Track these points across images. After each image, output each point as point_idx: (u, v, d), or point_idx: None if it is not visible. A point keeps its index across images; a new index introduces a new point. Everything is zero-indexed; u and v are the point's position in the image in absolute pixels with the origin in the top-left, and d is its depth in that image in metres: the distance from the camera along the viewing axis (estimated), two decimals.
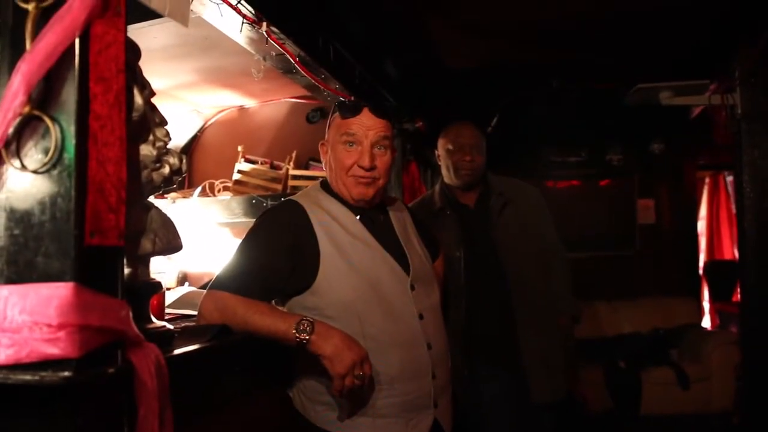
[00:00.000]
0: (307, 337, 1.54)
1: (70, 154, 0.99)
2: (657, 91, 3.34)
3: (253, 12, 1.83)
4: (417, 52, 3.44)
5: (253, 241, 1.75)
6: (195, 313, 2.00)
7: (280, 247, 1.70)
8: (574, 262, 3.02)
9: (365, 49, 2.97)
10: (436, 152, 2.83)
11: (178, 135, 3.70)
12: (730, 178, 6.78)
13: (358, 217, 1.80)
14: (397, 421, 1.65)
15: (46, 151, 0.98)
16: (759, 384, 3.22)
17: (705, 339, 5.05)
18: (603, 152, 5.70)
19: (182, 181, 3.70)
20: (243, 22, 1.80)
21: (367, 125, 1.76)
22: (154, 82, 3.05)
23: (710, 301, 6.61)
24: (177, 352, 1.31)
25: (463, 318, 2.47)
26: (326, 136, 1.88)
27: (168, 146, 1.38)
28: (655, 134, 5.48)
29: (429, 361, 1.71)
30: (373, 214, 1.85)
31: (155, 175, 1.31)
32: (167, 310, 2.05)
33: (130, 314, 1.06)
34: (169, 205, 3.42)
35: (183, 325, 1.69)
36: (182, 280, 3.60)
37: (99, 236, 1.03)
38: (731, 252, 6.86)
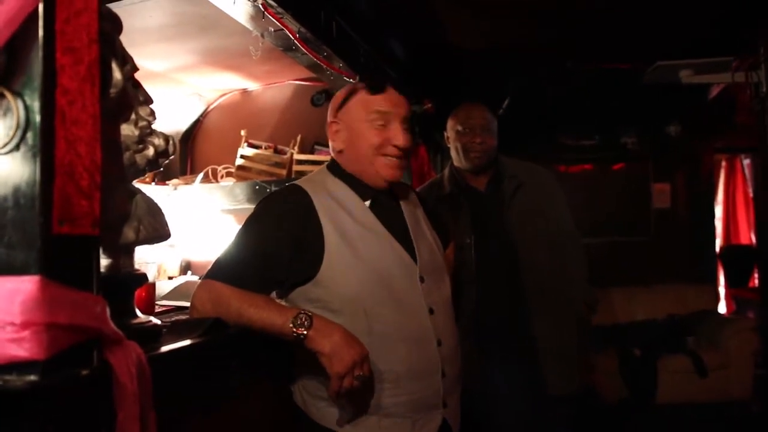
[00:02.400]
0: (305, 332, 1.43)
1: (34, 132, 0.88)
2: (677, 69, 3.21)
3: None
4: (425, 31, 3.31)
5: (251, 228, 1.63)
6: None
7: (279, 235, 1.59)
8: (587, 248, 2.90)
9: (371, 27, 2.85)
10: (445, 134, 2.71)
11: (180, 120, 3.61)
12: (747, 161, 6.61)
13: (368, 203, 1.68)
14: (403, 422, 1.55)
15: (8, 130, 0.88)
16: None
17: (722, 326, 4.93)
18: (617, 135, 5.55)
19: (184, 167, 3.62)
20: None
21: (397, 102, 1.66)
22: (152, 64, 3.00)
23: (726, 287, 6.47)
24: (163, 349, 1.21)
25: (474, 308, 2.36)
26: (336, 115, 1.71)
27: (153, 126, 1.28)
28: (671, 116, 5.32)
29: (438, 358, 1.60)
30: (385, 199, 1.72)
31: (138, 157, 1.21)
32: (163, 302, 1.95)
33: (107, 310, 0.96)
34: (171, 191, 3.34)
35: (174, 318, 1.59)
36: (185, 268, 3.53)
37: (69, 224, 0.93)
38: (748, 237, 6.71)
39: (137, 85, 1.32)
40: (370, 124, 1.63)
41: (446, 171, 2.72)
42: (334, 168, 1.74)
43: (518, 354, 2.44)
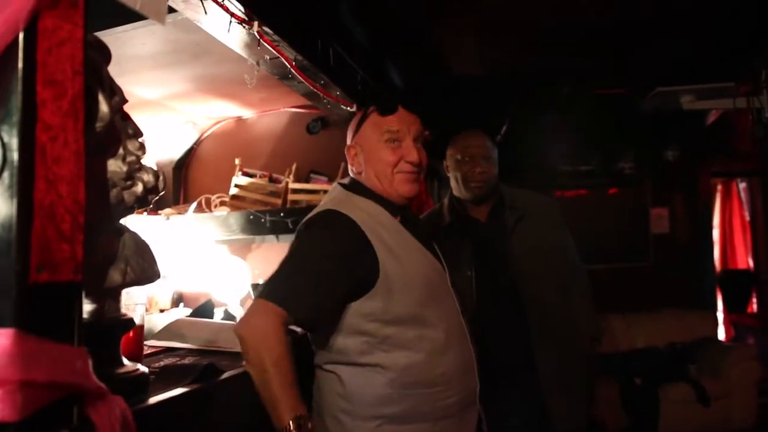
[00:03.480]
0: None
1: (11, 172, 0.81)
2: (677, 95, 3.17)
3: (242, 10, 1.66)
4: (422, 58, 3.27)
5: (305, 251, 1.62)
6: (183, 345, 1.84)
7: (335, 256, 1.60)
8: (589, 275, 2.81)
9: (368, 54, 2.80)
10: (444, 163, 2.62)
11: (173, 148, 3.54)
12: (743, 185, 6.59)
13: (398, 219, 1.75)
14: (453, 421, 1.63)
15: None
16: None
17: (724, 354, 4.85)
18: (614, 160, 5.51)
19: (177, 196, 3.54)
20: (231, 21, 1.63)
21: (407, 120, 1.75)
22: (146, 92, 2.94)
23: (725, 312, 6.40)
24: (151, 401, 1.13)
25: (478, 345, 2.26)
26: (353, 139, 1.79)
27: (142, 161, 1.21)
28: (669, 141, 5.29)
29: (473, 356, 1.72)
30: (409, 213, 1.83)
31: (126, 195, 1.13)
32: (152, 342, 1.86)
33: (90, 363, 0.88)
34: (163, 221, 3.26)
35: (163, 363, 1.50)
36: (177, 300, 3.44)
37: (49, 271, 0.85)
38: (745, 261, 6.66)
39: (126, 118, 1.25)
40: (384, 144, 1.71)
41: (446, 200, 2.63)
42: (358, 188, 1.77)
43: (523, 389, 2.35)
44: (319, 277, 1.55)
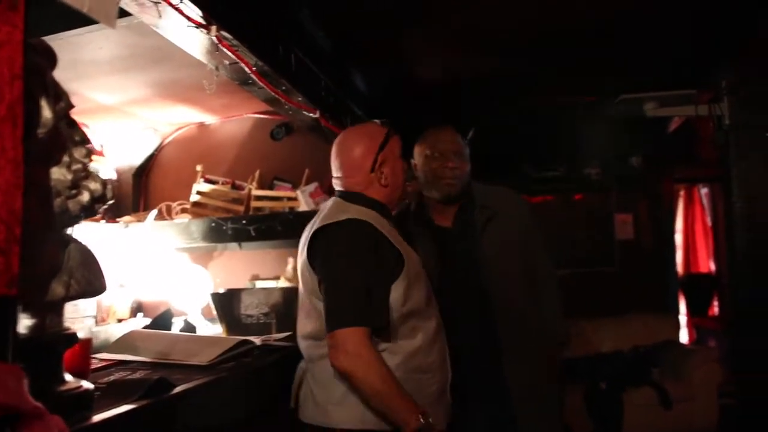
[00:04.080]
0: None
1: None
2: (641, 102, 3.20)
3: (200, 14, 1.62)
4: (388, 65, 3.24)
5: (354, 265, 1.70)
6: (136, 358, 1.78)
7: (375, 256, 1.72)
8: None
9: (332, 61, 2.77)
10: (412, 162, 2.42)
11: (133, 154, 3.46)
12: (704, 191, 6.71)
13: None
14: (433, 407, 1.72)
15: None
16: (749, 398, 3.12)
17: (686, 357, 4.92)
18: (581, 166, 5.56)
19: (137, 203, 3.46)
20: (188, 25, 1.59)
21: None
22: (104, 98, 2.87)
23: (687, 316, 6.50)
24: (95, 419, 1.08)
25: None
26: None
27: (90, 168, 1.16)
28: (632, 148, 5.36)
29: (447, 348, 1.89)
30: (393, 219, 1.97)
31: (71, 204, 1.09)
32: (104, 356, 1.80)
33: (25, 381, 0.83)
34: (122, 229, 3.18)
35: (112, 378, 1.45)
36: (136, 310, 3.36)
37: None
38: (707, 265, 6.78)
39: (73, 124, 1.20)
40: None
41: (412, 205, 2.50)
42: (358, 200, 1.86)
43: (491, 399, 2.29)
44: (374, 280, 1.68)
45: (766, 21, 2.62)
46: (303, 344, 1.82)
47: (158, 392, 1.38)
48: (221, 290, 2.75)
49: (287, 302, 2.39)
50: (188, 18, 1.59)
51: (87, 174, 1.13)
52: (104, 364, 1.74)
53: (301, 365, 1.88)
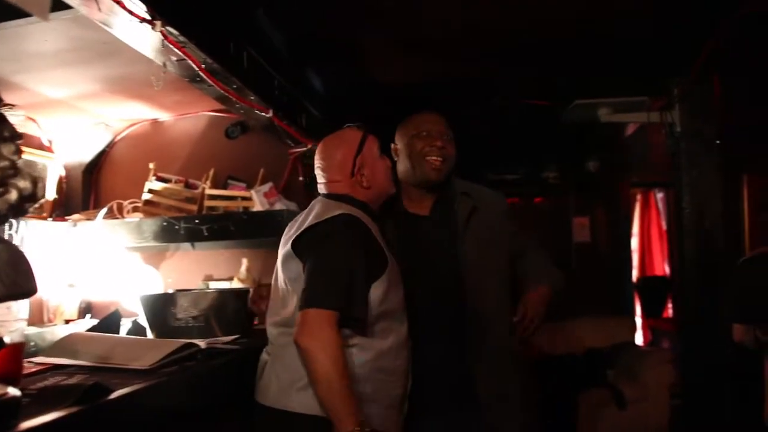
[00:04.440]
0: None
1: None
2: (595, 107, 3.24)
3: (146, 10, 1.57)
4: (345, 65, 3.22)
5: (337, 251, 1.74)
6: (74, 362, 1.73)
7: (362, 250, 1.75)
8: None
9: (287, 60, 2.74)
10: (393, 146, 2.27)
11: (83, 150, 3.37)
12: (660, 195, 6.84)
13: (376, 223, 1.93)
14: (396, 411, 1.82)
15: None
16: (696, 400, 3.19)
17: (640, 358, 5.01)
18: (540, 170, 5.62)
19: (86, 201, 3.37)
20: (131, 20, 1.54)
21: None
22: (52, 91, 2.78)
23: (642, 317, 6.62)
24: (22, 427, 1.04)
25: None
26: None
27: (18, 166, 1.11)
28: (589, 152, 5.44)
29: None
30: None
31: None
32: (40, 360, 1.74)
33: None
34: (70, 227, 3.10)
35: (45, 384, 1.40)
36: (85, 310, 3.27)
37: None
38: (662, 268, 6.92)
39: (2, 119, 1.15)
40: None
41: None
42: (348, 200, 1.92)
43: (459, 399, 2.14)
44: (358, 272, 1.70)
45: (717, 31, 2.67)
46: (274, 332, 1.85)
47: (93, 398, 1.33)
48: (171, 291, 2.69)
49: (221, 306, 2.34)
50: (131, 12, 1.54)
51: (16, 171, 1.09)
52: (40, 368, 1.68)
53: (263, 356, 1.89)
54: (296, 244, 1.78)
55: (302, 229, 1.78)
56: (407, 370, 1.87)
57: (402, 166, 2.23)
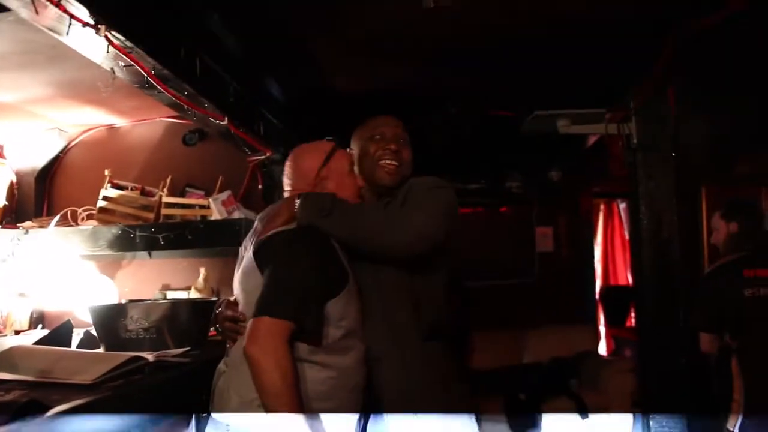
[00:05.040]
0: None
1: None
2: (554, 118, 3.27)
3: (89, 13, 1.53)
4: (303, 73, 3.19)
5: (295, 263, 1.69)
6: (13, 377, 1.66)
7: (320, 263, 1.72)
8: (475, 292, 2.72)
9: (243, 66, 2.70)
10: (348, 151, 2.13)
11: (36, 156, 3.28)
12: (623, 205, 6.92)
13: None
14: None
15: None
16: (656, 409, 3.22)
17: (602, 367, 5.07)
18: (502, 179, 5.65)
19: (39, 208, 3.29)
20: (71, 23, 1.49)
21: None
22: (1, 95, 2.71)
23: (606, 327, 6.68)
24: None
25: None
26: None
27: None
28: (552, 162, 5.49)
29: None
30: None
31: None
32: None
33: None
34: (21, 235, 3.01)
35: None
36: (37, 321, 3.18)
37: None
38: (625, 277, 7.00)
39: None
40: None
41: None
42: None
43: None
44: (315, 286, 1.66)
45: (672, 44, 2.72)
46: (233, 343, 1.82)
47: (27, 415, 1.28)
48: (124, 300, 2.63)
49: (173, 317, 2.28)
50: (73, 16, 1.49)
51: None
52: None
53: (221, 365, 1.83)
54: (257, 255, 1.74)
55: (261, 239, 1.75)
56: (365, 387, 1.82)
57: (357, 171, 2.09)
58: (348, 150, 2.16)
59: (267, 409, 1.57)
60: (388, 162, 2.01)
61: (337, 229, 1.78)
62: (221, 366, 1.84)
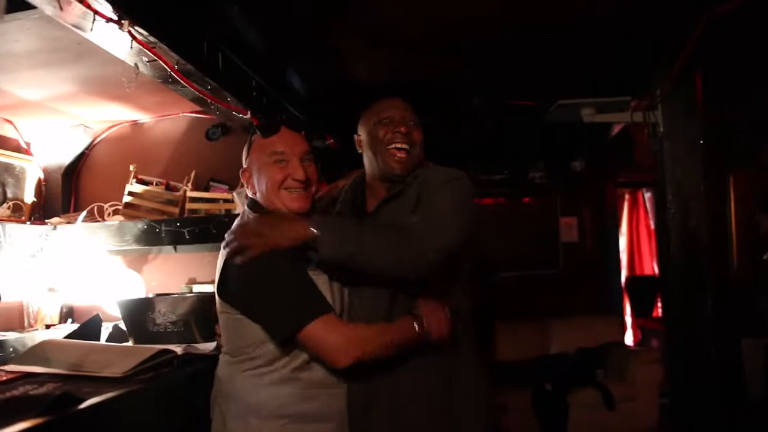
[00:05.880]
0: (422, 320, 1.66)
1: None
2: (578, 107, 3.22)
3: (112, 9, 1.54)
4: (325, 65, 3.19)
5: (284, 264, 1.62)
6: (46, 370, 1.69)
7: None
8: (500, 283, 2.67)
9: (265, 60, 2.70)
10: (356, 137, 2.04)
11: (63, 153, 3.32)
12: (648, 195, 6.86)
13: None
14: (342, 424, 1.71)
15: None
16: (683, 399, 3.17)
17: (629, 358, 5.01)
18: (526, 170, 5.61)
19: (66, 204, 3.33)
20: (95, 19, 1.50)
21: (291, 141, 1.78)
22: (27, 93, 2.74)
23: (632, 317, 6.63)
24: None
25: None
26: (246, 163, 1.84)
27: None
28: (576, 152, 5.43)
29: None
30: None
31: None
32: (11, 368, 1.70)
33: None
34: (49, 231, 3.05)
35: (14, 393, 1.36)
36: (67, 315, 3.22)
37: None
38: (651, 267, 6.93)
39: None
40: (273, 164, 1.75)
41: (345, 186, 2.10)
42: (257, 209, 1.79)
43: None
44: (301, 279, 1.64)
45: (698, 29, 2.66)
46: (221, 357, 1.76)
47: (61, 408, 1.30)
48: (151, 295, 2.66)
49: (200, 310, 2.30)
50: (97, 12, 1.50)
51: None
52: (10, 377, 1.64)
53: (213, 394, 1.76)
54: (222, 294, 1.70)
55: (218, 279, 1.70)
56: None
57: (366, 158, 2.00)
58: (356, 136, 2.06)
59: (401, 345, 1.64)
60: (399, 146, 1.89)
61: (365, 264, 1.66)
62: (214, 393, 1.76)
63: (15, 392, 1.44)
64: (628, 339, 6.34)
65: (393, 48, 3.10)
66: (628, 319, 6.53)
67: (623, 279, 6.57)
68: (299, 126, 1.86)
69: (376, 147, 1.90)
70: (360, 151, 2.02)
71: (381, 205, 1.89)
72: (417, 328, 1.64)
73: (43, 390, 1.51)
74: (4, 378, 1.60)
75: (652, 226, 6.81)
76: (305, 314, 1.56)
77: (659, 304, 6.49)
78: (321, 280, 1.68)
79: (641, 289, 6.71)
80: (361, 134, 1.99)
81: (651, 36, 2.83)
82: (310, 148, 1.82)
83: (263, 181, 1.76)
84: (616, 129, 4.47)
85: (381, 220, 1.87)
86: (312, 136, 2.95)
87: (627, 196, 7.03)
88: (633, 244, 7.09)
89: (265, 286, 1.59)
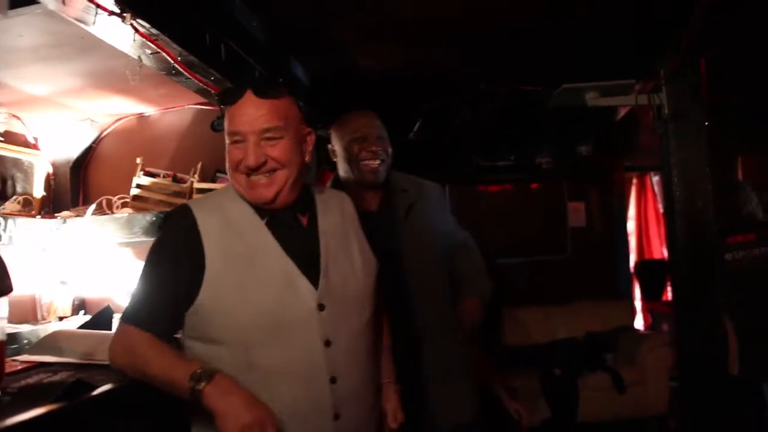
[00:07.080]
0: (201, 387, 1.31)
1: None
2: (582, 91, 3.22)
3: (113, 1, 1.55)
4: (326, 55, 3.19)
5: (151, 258, 1.51)
6: (58, 360, 1.72)
7: (174, 261, 1.47)
8: (506, 268, 2.72)
9: (268, 50, 2.71)
10: (329, 147, 2.33)
11: (70, 147, 3.35)
12: (656, 178, 6.83)
13: (264, 221, 1.52)
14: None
15: None
16: (692, 382, 3.18)
17: (639, 342, 5.03)
18: (532, 155, 5.60)
19: (75, 198, 3.36)
20: (97, 12, 1.52)
21: (252, 114, 1.47)
22: (33, 88, 2.77)
23: (642, 301, 6.63)
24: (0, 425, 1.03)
25: None
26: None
27: None
28: (582, 136, 5.42)
29: (330, 397, 1.45)
30: (285, 216, 1.56)
31: None
32: (25, 358, 1.73)
33: None
34: (59, 224, 3.09)
35: (29, 382, 1.39)
36: (78, 307, 3.26)
37: None
38: (660, 251, 6.91)
39: None
40: (229, 145, 1.54)
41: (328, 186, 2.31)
42: (229, 188, 1.62)
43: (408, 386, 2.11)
44: (163, 286, 1.46)
45: (702, 11, 2.64)
46: None
47: (75, 394, 1.33)
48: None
49: None
50: (98, 5, 1.52)
51: None
52: (24, 366, 1.68)
53: None
54: None
55: None
56: (297, 415, 1.45)
57: (341, 168, 2.29)
58: (329, 146, 2.32)
59: (152, 383, 1.42)
60: (372, 164, 2.18)
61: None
62: None
63: (30, 381, 1.47)
64: (639, 323, 6.34)
65: (396, 36, 3.10)
66: (638, 304, 6.53)
67: (632, 263, 6.56)
68: (275, 91, 1.49)
69: (352, 161, 2.20)
70: (334, 160, 2.31)
71: (381, 206, 2.25)
72: (188, 384, 1.32)
73: (57, 378, 1.54)
74: (20, 367, 1.64)
75: (661, 210, 6.78)
76: (126, 312, 1.48)
77: (669, 288, 6.49)
78: None
79: (651, 273, 6.70)
80: (336, 148, 2.27)
81: (655, 18, 2.81)
82: (278, 123, 1.48)
83: (228, 163, 1.54)
84: (622, 112, 4.45)
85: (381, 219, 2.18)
86: (316, 125, 2.97)
87: (635, 180, 7.00)
88: (642, 228, 7.07)
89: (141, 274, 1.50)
